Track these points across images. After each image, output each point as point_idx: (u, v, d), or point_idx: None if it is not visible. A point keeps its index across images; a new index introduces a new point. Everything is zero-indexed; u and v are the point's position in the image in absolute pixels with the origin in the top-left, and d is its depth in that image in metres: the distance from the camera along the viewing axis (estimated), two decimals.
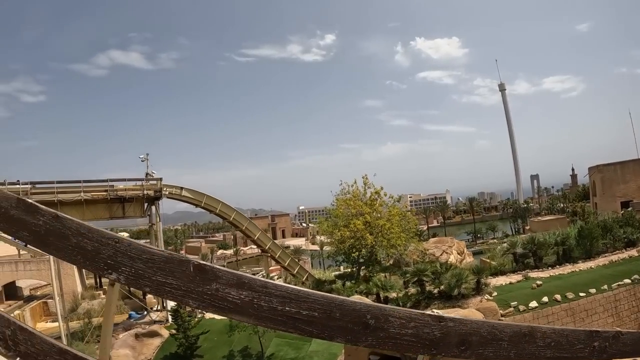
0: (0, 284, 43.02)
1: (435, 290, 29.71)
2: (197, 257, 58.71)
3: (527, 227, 79.74)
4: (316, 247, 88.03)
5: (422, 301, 29.13)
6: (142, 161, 33.60)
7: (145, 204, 32.94)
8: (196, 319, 28.23)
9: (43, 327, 42.36)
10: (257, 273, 55.39)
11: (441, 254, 48.87)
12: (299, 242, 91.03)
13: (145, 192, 31.75)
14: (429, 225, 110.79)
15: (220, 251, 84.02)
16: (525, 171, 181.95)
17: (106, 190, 30.80)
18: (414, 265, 38.21)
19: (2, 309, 38.42)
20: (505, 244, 52.46)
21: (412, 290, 31.30)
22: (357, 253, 36.31)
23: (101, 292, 44.76)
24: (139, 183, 32.80)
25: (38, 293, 48.19)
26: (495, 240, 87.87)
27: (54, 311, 44.17)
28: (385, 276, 34.64)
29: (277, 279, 49.51)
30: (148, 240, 39.98)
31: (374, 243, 35.94)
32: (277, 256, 42.41)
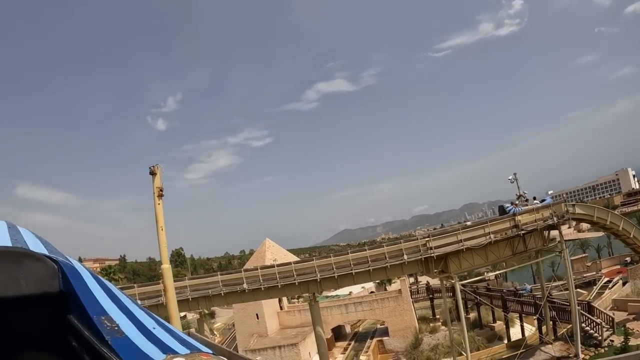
0: (330, 328, 40.47)
1: None
2: None
3: None
4: None
5: None
6: (512, 182, 29.10)
7: (545, 232, 27.72)
8: None
9: None
10: None
11: None
12: None
13: (553, 218, 26.11)
14: None
15: None
16: None
17: (515, 226, 25.34)
18: None
19: (340, 352, 33.77)
20: None
21: None
22: None
23: (440, 323, 39.17)
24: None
25: (359, 329, 45.16)
26: None
27: (390, 348, 40.13)
28: None
29: None
30: None
31: None
32: None
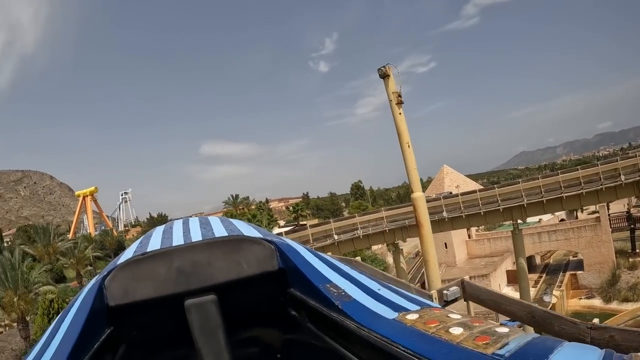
0: None
1: None
2: None
3: None
4: None
5: None
6: None
7: None
8: None
9: (576, 305, 37.09)
10: None
11: None
12: None
13: None
14: None
15: None
16: None
17: None
18: None
19: (530, 285, 30.80)
20: None
21: None
22: None
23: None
24: None
25: (550, 261, 44.06)
26: None
27: (583, 284, 38.59)
28: None
29: None
30: None
31: None
32: None
